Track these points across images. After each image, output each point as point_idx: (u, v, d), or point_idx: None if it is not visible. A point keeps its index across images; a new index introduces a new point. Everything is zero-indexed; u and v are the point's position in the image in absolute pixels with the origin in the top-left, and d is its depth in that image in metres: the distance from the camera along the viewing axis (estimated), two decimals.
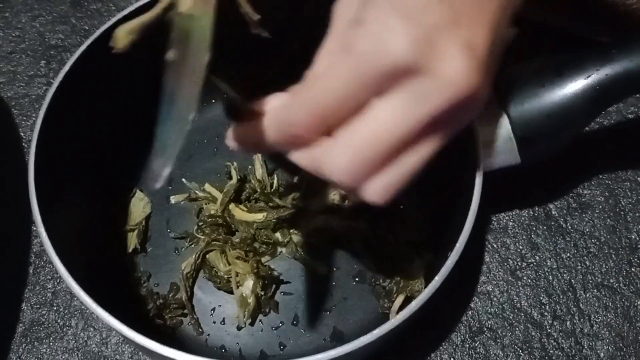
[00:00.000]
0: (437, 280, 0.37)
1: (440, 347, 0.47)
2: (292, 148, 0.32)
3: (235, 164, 0.51)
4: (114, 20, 0.43)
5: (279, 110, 0.32)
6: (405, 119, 0.28)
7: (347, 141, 0.29)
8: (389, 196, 0.31)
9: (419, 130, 0.29)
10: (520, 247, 0.50)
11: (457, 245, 0.37)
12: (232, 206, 0.50)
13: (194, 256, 0.48)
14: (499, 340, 0.47)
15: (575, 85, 0.40)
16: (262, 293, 0.46)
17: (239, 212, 0.49)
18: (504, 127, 0.41)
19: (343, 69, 0.28)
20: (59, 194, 0.42)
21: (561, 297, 0.49)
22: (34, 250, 0.51)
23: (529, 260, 0.50)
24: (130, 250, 0.49)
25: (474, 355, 0.47)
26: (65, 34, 0.61)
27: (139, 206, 0.50)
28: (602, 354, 0.47)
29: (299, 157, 0.32)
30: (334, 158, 0.30)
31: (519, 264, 0.50)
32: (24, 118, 0.57)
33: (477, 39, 0.29)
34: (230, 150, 0.51)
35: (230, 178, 0.51)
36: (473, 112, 0.30)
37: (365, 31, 0.28)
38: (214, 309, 0.47)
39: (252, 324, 0.47)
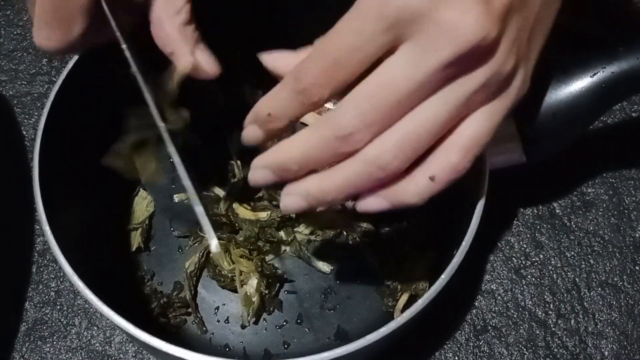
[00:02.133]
0: (444, 278, 0.36)
1: (445, 346, 0.47)
2: (306, 111, 0.32)
3: (238, 162, 0.51)
4: None
5: (295, 67, 0.31)
6: (414, 69, 0.28)
7: (355, 93, 0.29)
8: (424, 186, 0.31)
9: (429, 82, 0.28)
10: (525, 246, 0.50)
11: (464, 243, 0.37)
12: (235, 205, 0.50)
13: (197, 255, 0.48)
14: (503, 339, 0.47)
15: (581, 83, 0.40)
16: (266, 292, 0.46)
17: (243, 211, 0.49)
18: (509, 125, 0.41)
19: (350, 22, 0.29)
20: (62, 192, 0.41)
21: (565, 295, 0.48)
22: (37, 248, 0.51)
23: (533, 259, 0.50)
24: (133, 249, 0.49)
25: (479, 353, 0.47)
26: None
27: (143, 205, 0.50)
28: (606, 353, 0.47)
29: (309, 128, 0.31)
30: (341, 113, 0.30)
31: (523, 262, 0.50)
32: (26, 116, 0.57)
33: None
34: (232, 149, 0.52)
35: (234, 176, 0.51)
36: (487, 69, 0.29)
37: None
38: (217, 308, 0.47)
39: (256, 322, 0.46)
